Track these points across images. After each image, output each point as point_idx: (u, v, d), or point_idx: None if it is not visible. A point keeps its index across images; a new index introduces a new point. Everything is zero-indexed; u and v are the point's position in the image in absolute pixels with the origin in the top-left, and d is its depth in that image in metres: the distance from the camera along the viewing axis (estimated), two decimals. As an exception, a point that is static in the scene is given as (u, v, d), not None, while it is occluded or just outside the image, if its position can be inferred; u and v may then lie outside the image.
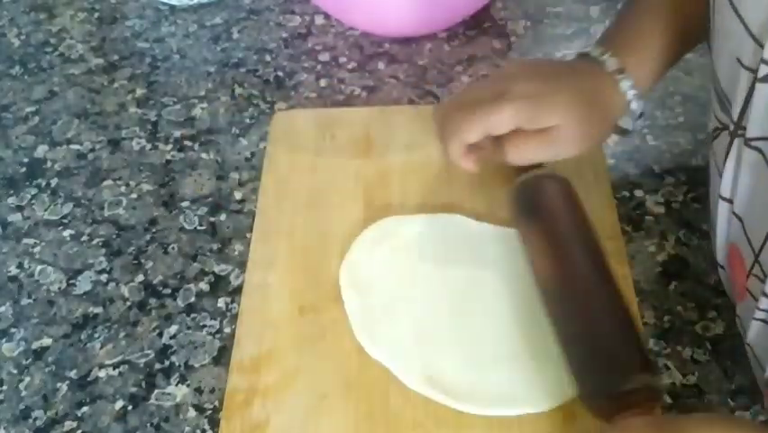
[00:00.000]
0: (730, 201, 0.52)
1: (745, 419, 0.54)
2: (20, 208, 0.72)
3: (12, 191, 0.73)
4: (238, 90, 0.80)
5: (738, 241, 0.52)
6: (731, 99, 0.50)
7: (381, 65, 0.81)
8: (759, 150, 0.47)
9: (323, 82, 0.80)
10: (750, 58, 0.46)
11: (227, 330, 0.62)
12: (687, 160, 0.70)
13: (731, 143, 0.50)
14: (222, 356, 0.61)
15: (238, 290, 0.64)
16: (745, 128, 0.48)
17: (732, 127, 0.50)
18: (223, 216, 0.70)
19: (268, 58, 0.83)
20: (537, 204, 0.61)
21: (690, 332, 0.60)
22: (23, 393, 0.60)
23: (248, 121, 0.77)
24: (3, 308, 0.65)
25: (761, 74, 0.45)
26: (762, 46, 0.45)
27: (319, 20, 0.86)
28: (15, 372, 0.61)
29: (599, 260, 0.57)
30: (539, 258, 0.59)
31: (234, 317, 0.62)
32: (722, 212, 0.53)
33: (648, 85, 0.62)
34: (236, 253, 0.67)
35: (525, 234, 0.61)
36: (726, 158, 0.50)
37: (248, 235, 0.67)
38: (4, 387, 0.60)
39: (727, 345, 0.59)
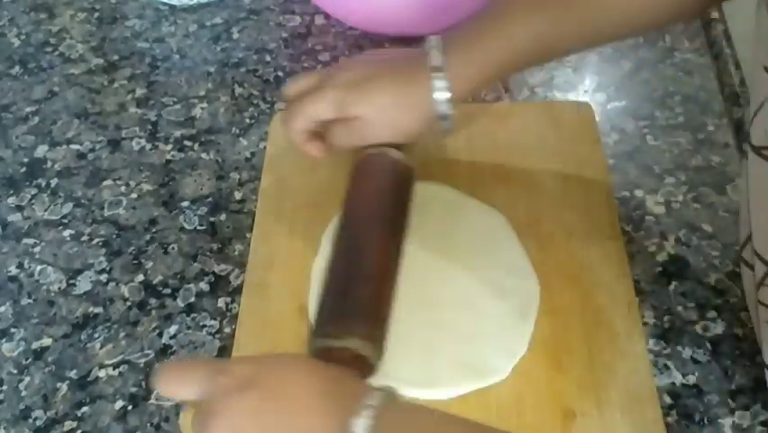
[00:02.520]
0: None
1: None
2: (20, 208, 0.72)
3: (12, 191, 0.73)
4: (238, 90, 0.80)
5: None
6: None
7: (381, 65, 0.81)
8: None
9: (323, 82, 0.80)
10: None
11: (227, 330, 0.62)
12: (687, 160, 0.70)
13: None
14: (222, 356, 0.61)
15: (238, 290, 0.64)
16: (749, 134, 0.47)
17: None
18: (223, 216, 0.70)
19: (268, 58, 0.83)
20: (354, 178, 0.63)
21: (690, 332, 0.60)
22: (23, 393, 0.60)
23: (248, 121, 0.77)
24: (3, 308, 0.65)
25: None
26: None
27: (319, 20, 0.86)
28: (15, 372, 0.61)
29: (382, 231, 0.59)
30: (340, 218, 0.62)
31: (234, 317, 0.62)
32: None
33: (471, 87, 0.60)
34: (236, 253, 0.67)
35: (344, 198, 0.63)
36: None
37: (248, 235, 0.67)
38: (4, 387, 0.60)
39: (727, 345, 0.59)
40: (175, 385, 0.47)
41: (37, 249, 0.69)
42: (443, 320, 0.60)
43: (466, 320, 0.60)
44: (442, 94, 0.58)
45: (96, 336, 0.63)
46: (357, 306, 0.55)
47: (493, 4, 0.60)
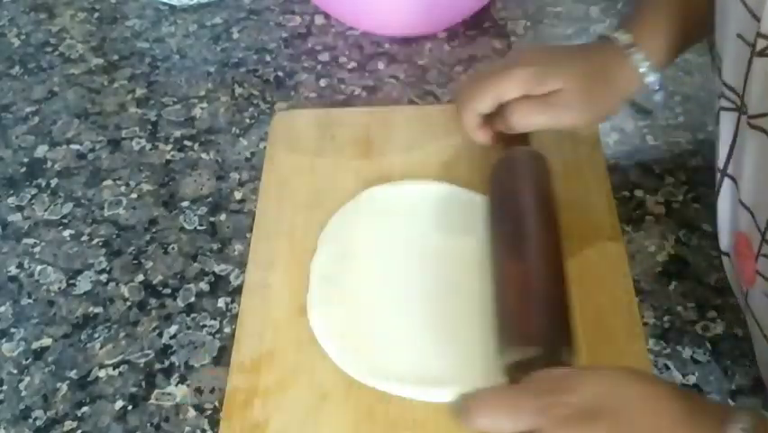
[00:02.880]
0: (734, 181, 0.52)
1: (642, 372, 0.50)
2: (20, 208, 0.72)
3: (12, 191, 0.73)
4: (238, 90, 0.80)
5: (745, 226, 0.51)
6: (734, 78, 0.50)
7: (381, 65, 0.81)
8: (762, 129, 0.46)
9: (323, 82, 0.80)
10: (748, 32, 0.46)
11: (227, 330, 0.62)
12: (687, 160, 0.70)
13: (737, 123, 0.50)
14: (222, 356, 0.61)
15: (238, 290, 0.64)
16: (747, 106, 0.48)
17: (735, 106, 0.50)
18: (223, 216, 0.70)
19: (268, 58, 0.83)
20: (505, 180, 0.62)
21: (690, 332, 0.60)
22: (23, 393, 0.60)
23: (248, 121, 0.77)
24: (3, 308, 0.65)
25: (758, 48, 0.45)
26: (758, 20, 0.44)
27: (319, 20, 0.86)
28: (15, 372, 0.61)
29: (548, 237, 0.58)
30: (493, 231, 0.61)
31: (234, 317, 0.62)
32: (725, 197, 0.53)
33: (664, 59, 0.61)
34: (236, 253, 0.67)
35: (490, 207, 0.62)
36: (735, 138, 0.50)
37: (248, 235, 0.67)
38: (4, 387, 0.60)
39: (727, 345, 0.59)
40: (498, 419, 0.43)
41: (37, 249, 0.69)
42: (459, 317, 0.60)
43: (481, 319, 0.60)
44: (645, 64, 0.59)
45: (96, 336, 0.63)
46: (547, 313, 0.54)
47: None
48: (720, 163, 0.53)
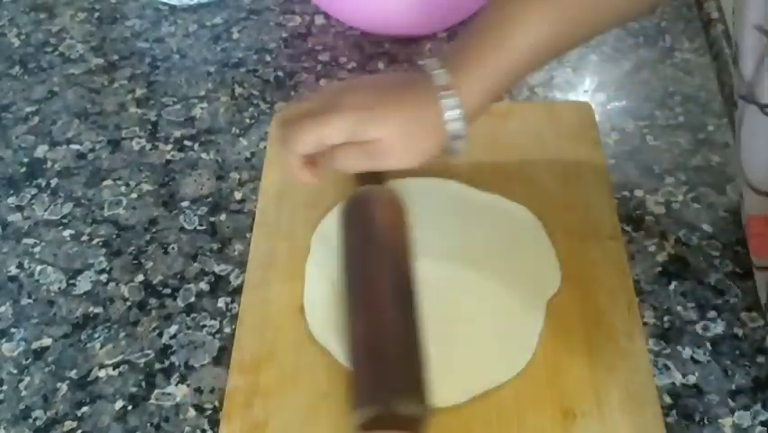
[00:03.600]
0: None
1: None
2: (20, 208, 0.72)
3: (12, 191, 0.73)
4: (238, 90, 0.80)
5: (757, 210, 0.51)
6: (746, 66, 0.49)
7: (381, 65, 0.81)
8: None
9: (323, 82, 0.80)
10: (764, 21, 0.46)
11: (227, 330, 0.62)
12: (687, 160, 0.70)
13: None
14: (222, 356, 0.61)
15: (238, 290, 0.64)
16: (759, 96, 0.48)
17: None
18: (223, 216, 0.70)
19: (268, 58, 0.83)
20: (354, 223, 0.61)
21: (690, 332, 0.60)
22: (23, 393, 0.60)
23: (248, 121, 0.77)
24: (3, 308, 0.65)
25: None
26: None
27: (319, 20, 0.86)
28: (15, 372, 0.61)
29: (398, 275, 0.58)
30: (346, 269, 0.60)
31: (234, 317, 0.62)
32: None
33: (480, 103, 0.58)
34: (236, 252, 0.67)
35: (342, 244, 0.61)
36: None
37: (248, 235, 0.67)
38: (4, 387, 0.60)
39: (727, 345, 0.59)
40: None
41: (37, 249, 0.69)
42: (459, 319, 0.60)
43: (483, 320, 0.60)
44: (453, 112, 0.56)
45: (96, 336, 0.63)
46: (393, 367, 0.54)
47: (485, 14, 0.59)
48: None
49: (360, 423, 0.52)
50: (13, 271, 0.67)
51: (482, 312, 0.60)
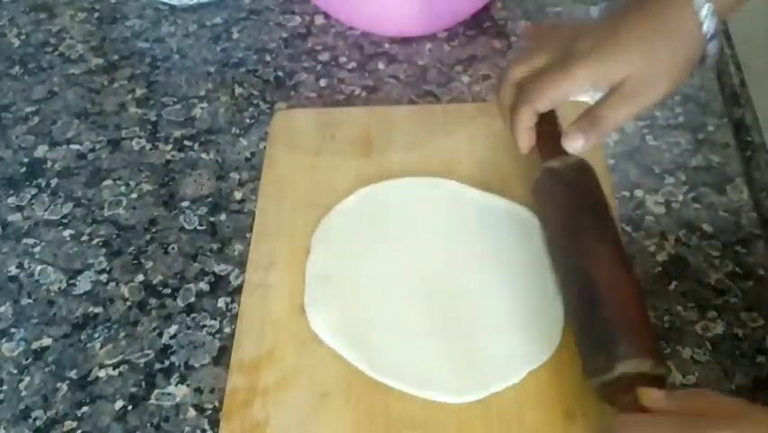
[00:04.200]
0: None
1: None
2: (20, 208, 0.72)
3: (12, 191, 0.73)
4: (238, 90, 0.80)
5: None
6: None
7: (381, 65, 0.81)
8: None
9: (323, 82, 0.80)
10: None
11: (227, 330, 0.62)
12: (687, 160, 0.70)
13: None
14: (222, 356, 0.61)
15: (238, 290, 0.64)
16: None
17: None
18: (223, 216, 0.70)
19: (268, 58, 0.83)
20: (560, 191, 0.60)
21: (690, 332, 0.60)
22: (23, 393, 0.60)
23: (248, 121, 0.77)
24: (3, 308, 0.65)
25: None
26: None
27: (319, 20, 0.86)
28: (15, 372, 0.61)
29: (614, 248, 0.57)
30: (556, 244, 0.60)
31: (234, 317, 0.62)
32: None
33: (729, 3, 0.54)
34: (236, 252, 0.67)
35: (545, 220, 0.61)
36: None
37: (248, 235, 0.67)
38: (4, 387, 0.60)
39: (727, 345, 0.59)
40: None
41: (37, 249, 0.69)
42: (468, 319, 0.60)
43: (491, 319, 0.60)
44: (706, 7, 0.52)
45: (96, 336, 0.63)
46: (632, 326, 0.53)
47: None
48: None
49: (606, 381, 0.51)
50: (13, 271, 0.67)
51: (496, 311, 0.60)
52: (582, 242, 0.57)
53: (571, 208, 0.59)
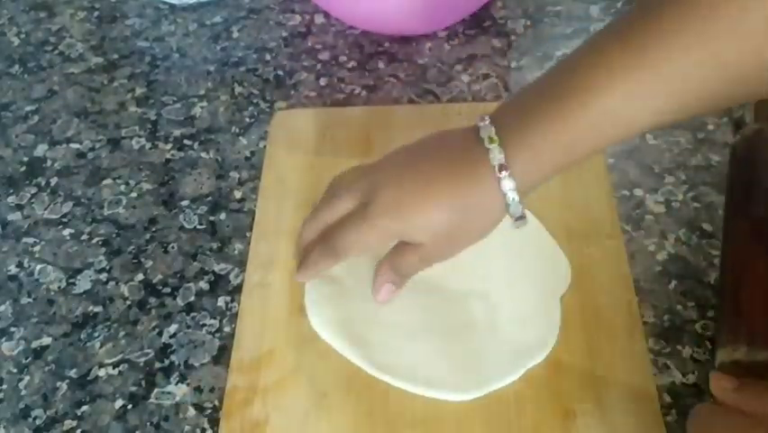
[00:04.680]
0: None
1: None
2: (20, 207, 0.72)
3: (11, 190, 0.73)
4: (238, 89, 0.80)
5: None
6: None
7: (381, 64, 0.81)
8: None
9: (323, 81, 0.80)
10: None
11: (227, 329, 0.62)
12: (687, 159, 0.70)
13: None
14: (222, 355, 0.61)
15: (238, 289, 0.64)
16: None
17: None
18: (222, 215, 0.70)
19: (268, 57, 0.83)
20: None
21: (690, 332, 0.60)
22: (23, 392, 0.60)
23: (248, 120, 0.77)
24: (2, 307, 0.65)
25: None
26: None
27: (319, 19, 0.86)
28: (15, 371, 0.61)
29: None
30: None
31: (234, 317, 0.62)
32: None
33: (534, 183, 0.51)
34: (236, 252, 0.67)
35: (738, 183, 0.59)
36: None
37: (248, 234, 0.67)
38: (4, 386, 0.60)
39: (727, 344, 0.59)
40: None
41: (37, 248, 0.69)
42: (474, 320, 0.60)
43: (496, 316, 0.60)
44: (512, 194, 0.50)
45: (96, 335, 0.63)
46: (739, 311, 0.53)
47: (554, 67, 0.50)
48: None
49: (737, 359, 0.51)
50: (13, 270, 0.67)
51: (496, 309, 0.60)
52: None
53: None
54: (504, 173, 0.50)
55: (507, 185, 0.50)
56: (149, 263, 0.67)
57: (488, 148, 0.50)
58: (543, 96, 0.49)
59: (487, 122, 0.52)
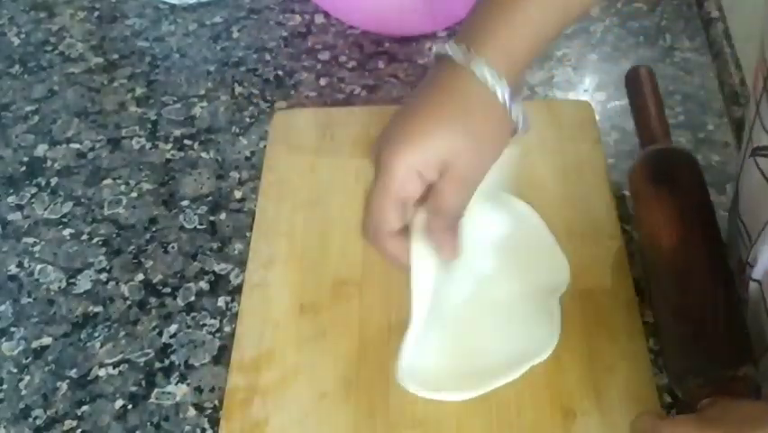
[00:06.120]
0: None
1: None
2: (20, 207, 0.72)
3: (12, 190, 0.73)
4: (238, 89, 0.80)
5: None
6: None
7: (381, 64, 0.81)
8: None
9: (323, 81, 0.80)
10: None
11: (227, 329, 0.62)
12: (687, 159, 0.70)
13: None
14: (222, 355, 0.61)
15: (238, 289, 0.64)
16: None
17: None
18: (222, 215, 0.70)
19: (268, 57, 0.83)
20: (666, 175, 0.61)
21: (690, 331, 0.60)
22: (23, 392, 0.60)
23: (248, 120, 0.77)
24: (3, 307, 0.65)
25: None
26: None
27: (319, 19, 0.86)
28: (15, 371, 0.61)
29: (715, 244, 0.58)
30: (659, 229, 0.59)
31: (234, 317, 0.62)
32: None
33: (517, 71, 0.53)
34: (236, 252, 0.67)
35: (648, 202, 0.61)
36: None
37: (248, 234, 0.67)
38: (4, 386, 0.60)
39: (727, 344, 0.59)
40: None
41: (37, 248, 0.69)
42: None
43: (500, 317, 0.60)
44: (492, 79, 0.50)
45: (96, 335, 0.63)
46: (736, 333, 0.53)
47: None
48: None
49: (707, 380, 0.52)
50: (13, 270, 0.67)
51: (496, 309, 0.60)
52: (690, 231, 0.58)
53: (678, 193, 0.60)
54: (477, 64, 0.50)
55: (482, 71, 0.51)
56: (149, 263, 0.67)
57: (455, 56, 0.51)
58: (486, 18, 0.53)
59: (449, 42, 0.53)
